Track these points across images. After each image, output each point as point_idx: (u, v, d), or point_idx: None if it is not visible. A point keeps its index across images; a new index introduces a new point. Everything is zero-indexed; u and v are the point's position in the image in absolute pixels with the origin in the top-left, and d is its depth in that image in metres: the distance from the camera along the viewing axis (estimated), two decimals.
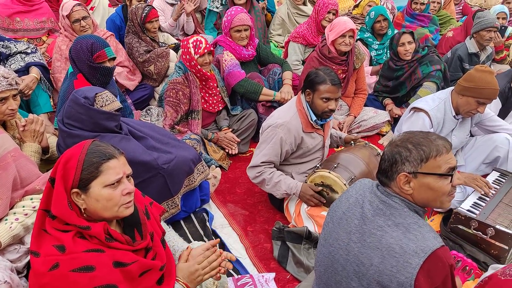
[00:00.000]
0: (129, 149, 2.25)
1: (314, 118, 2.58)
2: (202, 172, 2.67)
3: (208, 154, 3.23)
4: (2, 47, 3.30)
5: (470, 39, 4.20)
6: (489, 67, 2.81)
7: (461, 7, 6.65)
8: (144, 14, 3.86)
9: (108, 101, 2.21)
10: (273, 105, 3.61)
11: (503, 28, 4.61)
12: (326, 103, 2.50)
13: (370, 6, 5.41)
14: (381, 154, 2.74)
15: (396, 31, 4.81)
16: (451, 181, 1.46)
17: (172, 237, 1.90)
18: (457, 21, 6.08)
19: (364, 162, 2.57)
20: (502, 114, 3.36)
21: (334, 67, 3.55)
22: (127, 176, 1.54)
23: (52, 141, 2.61)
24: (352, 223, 1.55)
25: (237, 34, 3.60)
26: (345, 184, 2.38)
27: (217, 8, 5.29)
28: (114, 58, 2.86)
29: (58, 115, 2.28)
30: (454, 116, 2.85)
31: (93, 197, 1.45)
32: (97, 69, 2.76)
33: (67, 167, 1.45)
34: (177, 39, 4.81)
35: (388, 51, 4.73)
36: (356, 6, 5.80)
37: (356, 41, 4.05)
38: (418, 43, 3.83)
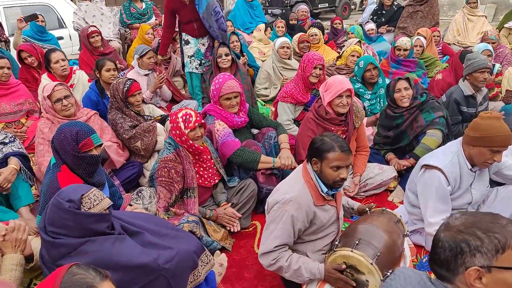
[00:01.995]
0: (124, 252, 1.98)
1: (325, 189, 2.35)
2: (207, 263, 2.36)
3: (209, 235, 2.92)
4: None
5: (463, 81, 4.06)
6: (495, 112, 2.65)
7: (440, 47, 6.70)
8: (126, 88, 3.69)
9: (96, 200, 1.94)
10: (273, 172, 3.37)
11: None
12: (336, 172, 2.28)
13: (353, 56, 5.37)
14: (401, 220, 2.54)
15: (386, 79, 4.76)
16: None
17: None
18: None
19: (386, 233, 2.30)
20: None
21: (333, 128, 3.37)
22: None
23: (36, 246, 2.28)
24: None
25: (227, 102, 3.43)
26: (371, 264, 2.10)
27: (197, 68, 5.18)
28: (101, 145, 2.63)
29: (39, 222, 1.99)
30: (470, 169, 2.67)
31: None
32: (83, 159, 2.53)
33: None
34: (159, 107, 4.64)
35: (381, 100, 4.64)
36: (339, 57, 5.77)
37: None
38: (415, 89, 3.65)
